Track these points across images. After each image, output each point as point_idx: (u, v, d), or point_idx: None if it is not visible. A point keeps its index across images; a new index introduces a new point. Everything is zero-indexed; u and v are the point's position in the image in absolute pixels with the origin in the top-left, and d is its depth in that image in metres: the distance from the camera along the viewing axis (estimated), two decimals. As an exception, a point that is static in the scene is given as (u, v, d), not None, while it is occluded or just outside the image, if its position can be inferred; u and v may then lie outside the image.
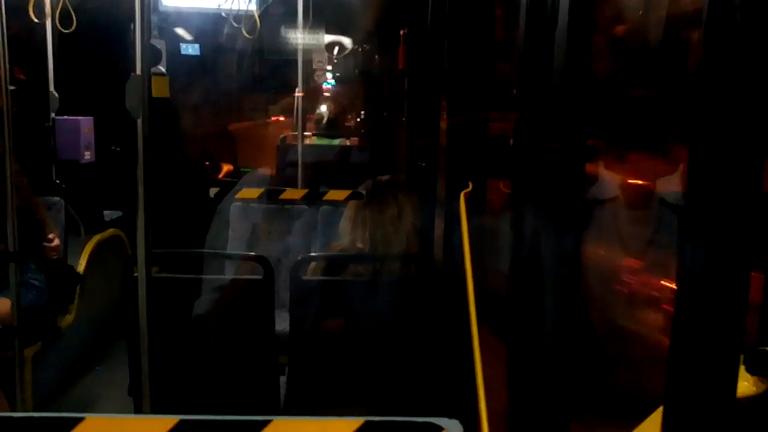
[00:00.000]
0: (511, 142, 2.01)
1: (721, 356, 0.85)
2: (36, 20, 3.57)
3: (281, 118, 6.04)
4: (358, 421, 0.94)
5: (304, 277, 2.57)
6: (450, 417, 0.94)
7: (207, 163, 5.96)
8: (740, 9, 0.85)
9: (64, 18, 3.71)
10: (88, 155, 4.42)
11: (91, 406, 3.36)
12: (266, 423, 0.95)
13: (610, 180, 2.53)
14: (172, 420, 0.93)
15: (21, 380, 2.68)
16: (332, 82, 8.87)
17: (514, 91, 1.93)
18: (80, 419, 0.91)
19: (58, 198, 3.66)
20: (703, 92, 0.87)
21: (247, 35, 4.32)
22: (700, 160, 0.88)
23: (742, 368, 1.04)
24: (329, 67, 7.96)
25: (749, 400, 1.06)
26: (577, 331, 1.41)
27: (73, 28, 3.72)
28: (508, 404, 1.52)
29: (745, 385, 1.04)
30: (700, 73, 0.87)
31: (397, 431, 0.95)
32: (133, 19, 1.96)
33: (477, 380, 1.79)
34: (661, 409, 0.94)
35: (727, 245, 0.84)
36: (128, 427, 0.96)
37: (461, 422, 0.95)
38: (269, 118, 6.82)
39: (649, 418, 1.14)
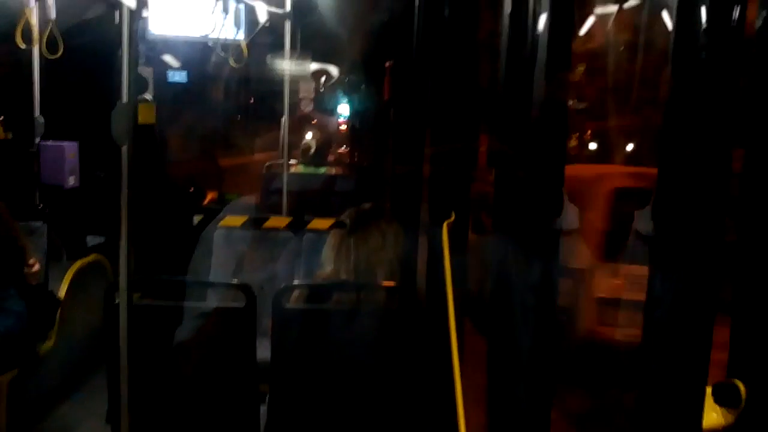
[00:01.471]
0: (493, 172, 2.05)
1: (687, 388, 0.87)
2: (23, 46, 3.59)
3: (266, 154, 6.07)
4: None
5: (287, 306, 2.57)
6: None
7: (191, 189, 5.95)
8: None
9: (51, 44, 3.73)
10: (72, 180, 4.41)
11: (68, 434, 3.32)
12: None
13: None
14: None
15: (-3, 407, 2.65)
16: (345, 115, 8.68)
17: (495, 121, 1.97)
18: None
19: (41, 223, 3.65)
20: (668, 120, 0.90)
21: (234, 64, 4.36)
22: (668, 194, 0.91)
23: (710, 400, 1.05)
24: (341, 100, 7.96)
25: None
26: (554, 356, 1.43)
27: (60, 54, 3.74)
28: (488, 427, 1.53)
29: (714, 416, 1.05)
30: (666, 104, 0.91)
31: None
32: (120, 47, 1.99)
33: (458, 410, 1.80)
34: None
35: (695, 279, 0.87)
36: (106, 453, 0.96)
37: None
38: (255, 146, 6.85)
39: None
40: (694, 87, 0.91)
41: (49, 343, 3.42)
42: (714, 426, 1.06)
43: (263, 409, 2.61)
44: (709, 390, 1.04)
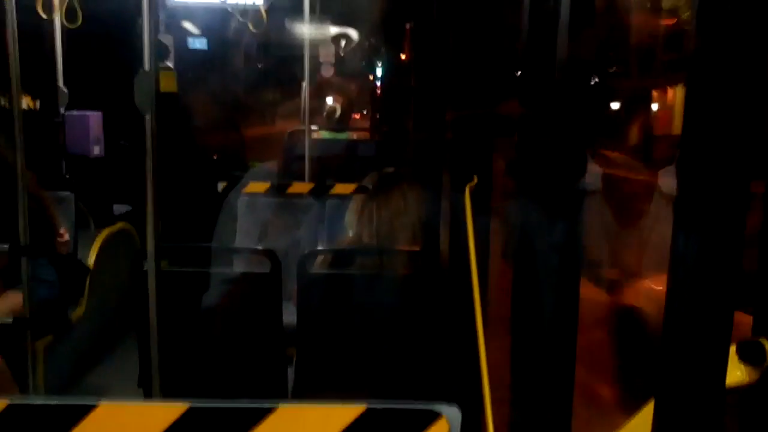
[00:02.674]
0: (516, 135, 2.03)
1: (711, 345, 0.87)
2: (44, 17, 3.61)
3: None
4: (360, 407, 0.97)
5: (311, 271, 2.60)
6: (450, 403, 0.96)
7: (215, 156, 5.99)
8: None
9: (70, 13, 3.74)
10: (97, 149, 4.46)
11: (101, 396, 3.40)
12: (273, 409, 0.98)
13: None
14: (182, 405, 0.96)
15: (33, 372, 2.73)
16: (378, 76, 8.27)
17: (519, 83, 1.95)
18: (94, 405, 0.94)
19: (69, 192, 3.70)
20: (693, 84, 0.89)
21: (253, 29, 4.35)
22: (693, 150, 0.90)
23: (735, 358, 1.06)
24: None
25: (742, 389, 1.08)
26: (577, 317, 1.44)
27: (79, 23, 3.75)
28: (511, 391, 1.54)
29: (738, 374, 1.06)
30: (691, 65, 0.89)
31: (397, 416, 0.97)
32: (140, 15, 1.99)
33: (481, 369, 1.82)
34: (652, 401, 0.96)
35: (720, 235, 0.86)
36: (140, 413, 0.99)
37: (461, 409, 0.98)
38: (276, 112, 6.85)
39: (640, 410, 1.16)
40: (722, 34, 0.89)
41: (80, 310, 3.50)
42: (738, 383, 1.07)
43: (290, 371, 2.66)
44: (733, 348, 1.04)
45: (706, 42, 0.89)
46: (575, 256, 1.43)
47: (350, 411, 0.96)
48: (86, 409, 0.95)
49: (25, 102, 4.40)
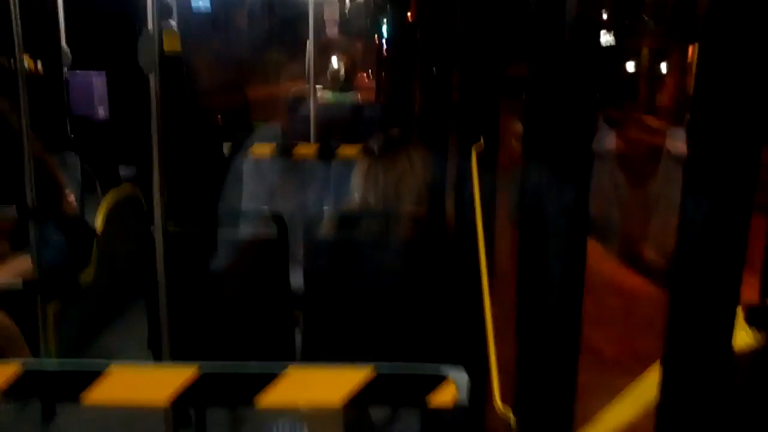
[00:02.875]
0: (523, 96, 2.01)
1: (719, 307, 0.88)
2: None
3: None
4: (368, 369, 0.98)
5: (318, 234, 2.61)
6: (457, 366, 0.97)
7: (219, 117, 5.96)
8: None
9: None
10: (101, 111, 4.44)
11: (111, 359, 3.45)
12: (283, 372, 0.99)
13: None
14: (193, 367, 0.98)
15: (44, 336, 2.76)
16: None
17: (527, 44, 1.92)
18: (106, 367, 0.95)
19: (74, 154, 3.70)
20: (705, 32, 0.88)
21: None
22: (702, 110, 0.89)
23: (742, 321, 1.06)
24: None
25: (749, 353, 1.09)
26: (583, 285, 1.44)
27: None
28: (518, 354, 1.56)
29: (745, 338, 1.06)
30: (703, 25, 0.88)
31: (404, 378, 0.99)
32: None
33: (487, 331, 1.83)
34: (657, 363, 0.97)
35: (729, 198, 0.86)
36: (152, 375, 1.01)
37: (468, 371, 0.99)
38: (280, 73, 6.79)
39: (646, 373, 1.17)
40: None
41: (88, 273, 3.52)
42: (744, 347, 1.07)
43: (298, 334, 2.68)
44: (741, 312, 1.04)
45: (718, 2, 0.87)
46: (583, 221, 1.42)
47: (359, 373, 0.97)
48: (98, 372, 0.96)
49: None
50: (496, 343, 1.68)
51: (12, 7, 2.48)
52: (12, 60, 2.55)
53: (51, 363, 0.97)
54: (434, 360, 1.11)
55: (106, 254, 3.67)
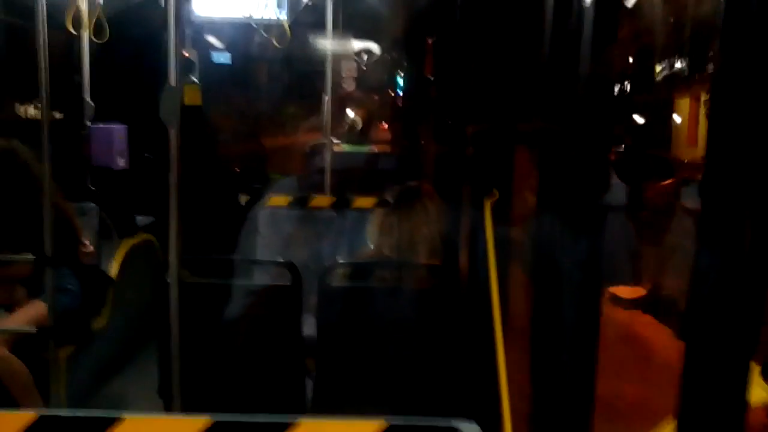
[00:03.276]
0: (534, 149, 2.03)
1: (733, 362, 0.87)
2: (74, 32, 3.67)
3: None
4: (380, 423, 0.97)
5: (331, 283, 2.61)
6: (470, 419, 0.96)
7: (237, 170, 6.03)
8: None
9: (98, 29, 3.81)
10: (121, 162, 4.51)
11: (121, 406, 3.42)
12: (294, 423, 0.99)
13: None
14: (205, 419, 0.97)
15: (56, 381, 2.75)
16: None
17: (541, 98, 1.95)
18: (119, 418, 0.95)
19: (93, 204, 3.75)
20: (716, 93, 0.89)
21: (277, 44, 4.39)
22: (716, 167, 0.89)
23: (759, 378, 1.04)
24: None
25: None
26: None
27: (106, 39, 3.82)
28: (531, 407, 1.53)
29: (762, 393, 1.04)
30: (715, 79, 0.89)
31: (416, 431, 0.97)
32: (165, 29, 2.02)
33: (501, 385, 1.81)
34: (671, 420, 0.96)
35: (743, 255, 0.86)
36: (164, 426, 1.00)
37: (481, 425, 0.98)
38: (298, 126, 6.90)
39: (659, 427, 1.15)
40: (744, 58, 0.89)
41: (102, 320, 3.53)
42: (761, 402, 1.05)
43: (310, 383, 2.66)
44: (757, 368, 1.03)
45: (728, 62, 0.89)
46: (597, 272, 1.42)
47: (370, 426, 0.96)
48: (112, 421, 0.96)
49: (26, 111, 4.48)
50: (510, 397, 1.66)
51: (41, 59, 2.56)
52: (40, 109, 2.61)
53: (65, 411, 0.97)
54: (446, 412, 1.10)
55: (120, 301, 3.68)
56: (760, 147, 0.86)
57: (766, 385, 1.06)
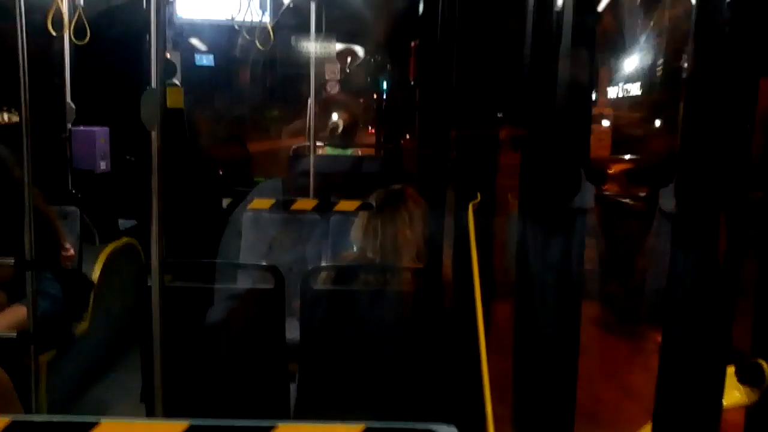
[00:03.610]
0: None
1: (709, 365, 0.88)
2: (54, 34, 3.64)
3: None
4: (359, 426, 0.97)
5: (315, 287, 2.61)
6: (449, 424, 0.96)
7: (220, 172, 6.01)
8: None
9: (79, 31, 3.78)
10: (103, 165, 4.48)
11: (103, 412, 3.40)
12: (272, 427, 0.99)
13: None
14: (183, 424, 0.97)
15: (36, 386, 2.72)
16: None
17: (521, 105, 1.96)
18: (96, 423, 0.94)
19: (74, 207, 3.72)
20: (690, 94, 0.90)
21: (260, 47, 4.38)
22: (690, 167, 0.91)
23: (733, 379, 1.06)
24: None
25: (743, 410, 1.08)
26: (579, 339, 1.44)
27: (87, 40, 3.79)
28: (513, 411, 1.54)
29: (737, 395, 1.06)
30: (690, 78, 0.91)
31: (396, 435, 0.98)
32: (147, 32, 2.01)
33: (484, 389, 1.81)
34: (649, 424, 0.97)
35: (717, 256, 0.87)
36: (142, 430, 1.00)
37: (463, 429, 0.98)
38: (281, 129, 6.90)
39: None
40: (716, 58, 0.90)
41: (84, 325, 3.50)
42: (736, 404, 1.06)
43: (293, 387, 2.65)
44: (732, 369, 1.04)
45: (701, 64, 0.90)
46: (578, 274, 1.43)
47: (349, 430, 0.96)
48: (88, 427, 0.95)
49: (7, 116, 4.45)
50: (493, 400, 1.66)
51: (20, 61, 2.54)
52: (19, 113, 2.58)
53: (40, 417, 0.96)
54: (429, 416, 1.10)
55: (102, 306, 3.66)
56: (732, 147, 0.88)
57: (741, 387, 1.07)
